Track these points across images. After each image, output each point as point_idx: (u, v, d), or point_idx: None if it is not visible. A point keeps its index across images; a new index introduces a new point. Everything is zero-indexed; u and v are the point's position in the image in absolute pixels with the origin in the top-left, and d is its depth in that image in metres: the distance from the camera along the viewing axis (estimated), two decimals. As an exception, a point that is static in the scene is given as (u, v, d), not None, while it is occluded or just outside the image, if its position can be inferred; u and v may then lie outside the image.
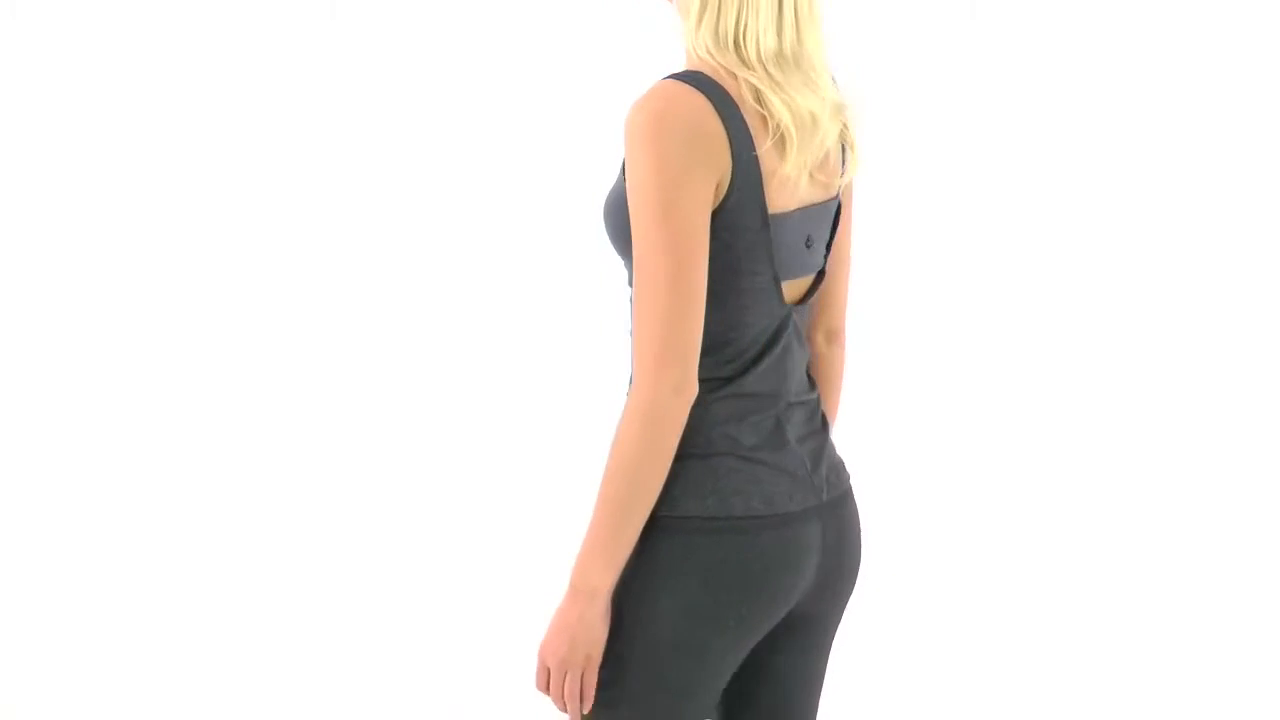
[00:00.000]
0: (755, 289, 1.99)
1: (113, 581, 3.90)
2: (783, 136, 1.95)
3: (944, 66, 3.77)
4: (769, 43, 1.95)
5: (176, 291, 3.88)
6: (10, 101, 3.82)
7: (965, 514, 3.88)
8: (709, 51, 1.97)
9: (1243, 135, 3.76)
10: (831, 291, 2.14)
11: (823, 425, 2.09)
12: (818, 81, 1.97)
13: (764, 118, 1.96)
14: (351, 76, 3.91)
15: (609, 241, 2.03)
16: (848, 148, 2.04)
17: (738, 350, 2.01)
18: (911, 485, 3.85)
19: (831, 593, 2.09)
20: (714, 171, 1.94)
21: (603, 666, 1.98)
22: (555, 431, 3.98)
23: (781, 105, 1.95)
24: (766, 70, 1.95)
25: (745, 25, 1.95)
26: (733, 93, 1.95)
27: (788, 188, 1.98)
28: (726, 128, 1.93)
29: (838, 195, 2.06)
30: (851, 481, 2.12)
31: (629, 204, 1.93)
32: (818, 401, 2.10)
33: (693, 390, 1.92)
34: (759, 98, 1.96)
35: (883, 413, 3.84)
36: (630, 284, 1.98)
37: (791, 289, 2.04)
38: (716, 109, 1.93)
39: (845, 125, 2.03)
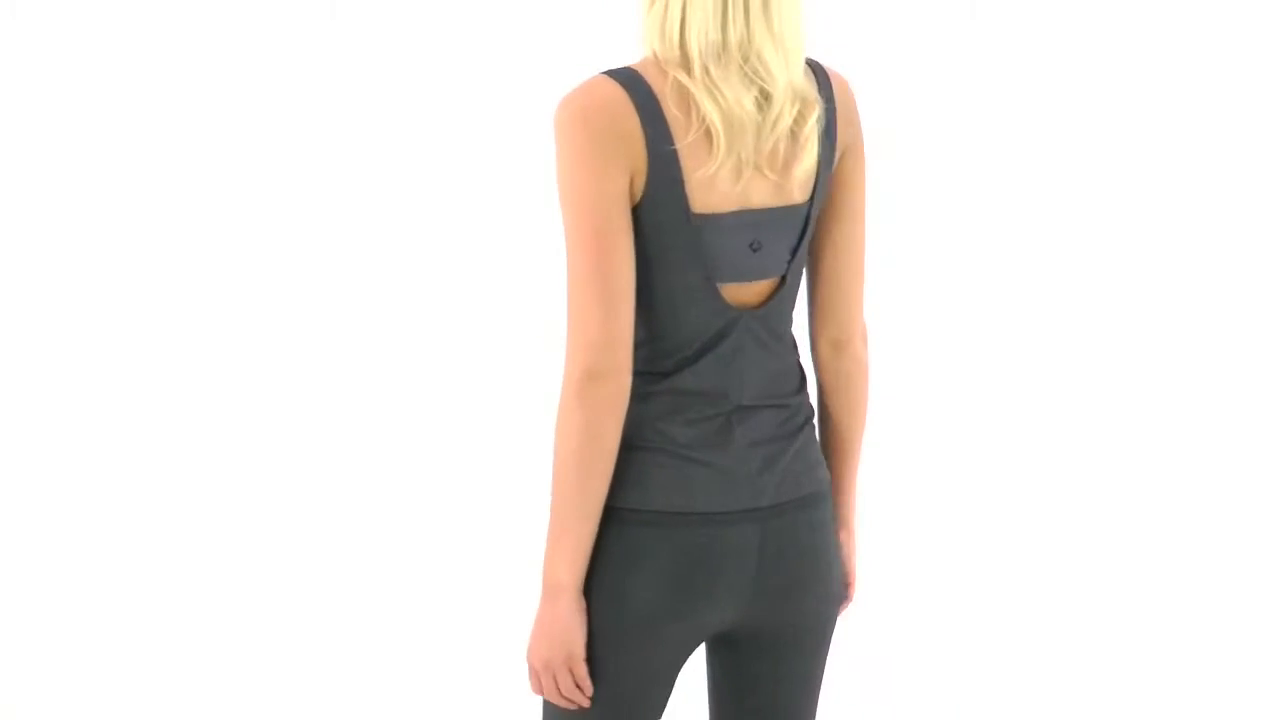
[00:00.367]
0: (686, 287, 1.99)
1: (112, 581, 3.90)
2: (709, 134, 1.95)
3: (944, 66, 3.76)
4: (712, 36, 1.93)
5: (176, 290, 3.87)
6: (10, 101, 3.82)
7: (967, 513, 3.88)
8: (654, 44, 1.98)
9: (1243, 135, 3.76)
10: (833, 301, 2.11)
11: (799, 431, 2.06)
12: (768, 77, 1.94)
13: (691, 114, 1.94)
14: (351, 76, 3.91)
15: None
16: (804, 147, 1.98)
17: (673, 346, 2.01)
18: (916, 485, 3.85)
19: (790, 602, 2.06)
20: (627, 166, 1.94)
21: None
22: (552, 431, 3.98)
23: (709, 103, 1.93)
24: (705, 65, 1.93)
25: (688, 18, 1.95)
26: (658, 88, 1.94)
27: (718, 188, 1.96)
28: (643, 123, 1.93)
29: (806, 203, 2.01)
30: (819, 489, 2.08)
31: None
32: (800, 408, 2.08)
33: (616, 379, 1.95)
34: (686, 94, 1.96)
35: (883, 414, 3.84)
36: None
37: (741, 292, 2.02)
38: (636, 104, 1.93)
39: (805, 124, 1.97)
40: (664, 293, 1.99)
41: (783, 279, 2.03)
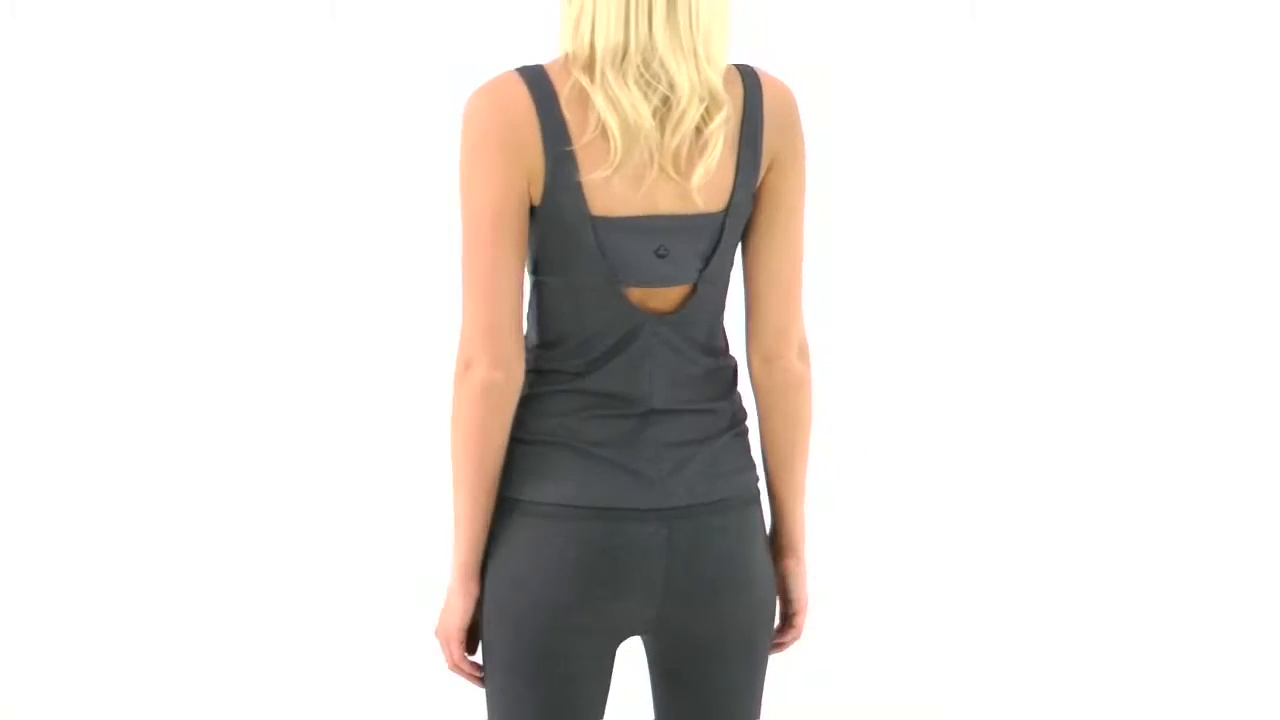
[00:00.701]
0: (589, 289, 2.01)
1: (111, 582, 3.90)
2: (606, 137, 1.95)
3: (944, 66, 3.77)
4: (614, 37, 1.93)
5: (176, 291, 3.87)
6: (10, 101, 3.82)
7: (958, 517, 3.88)
8: (565, 43, 1.98)
9: (1243, 136, 3.76)
10: (761, 314, 2.08)
11: (721, 435, 2.06)
12: (668, 80, 1.93)
13: (589, 116, 1.95)
14: (351, 76, 3.91)
15: None
16: (706, 149, 1.96)
17: (579, 347, 2.04)
18: (908, 488, 3.85)
19: (708, 607, 2.06)
20: (523, 165, 1.96)
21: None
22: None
23: (605, 105, 1.93)
24: (605, 66, 1.93)
25: (594, 18, 1.94)
26: (560, 88, 1.95)
27: (618, 191, 1.96)
28: (542, 123, 1.94)
29: (720, 213, 2.00)
30: (741, 495, 2.07)
31: None
32: (726, 412, 2.08)
33: (492, 372, 1.99)
34: (586, 96, 1.95)
35: (882, 415, 3.84)
36: None
37: (650, 297, 2.02)
38: (536, 103, 1.94)
39: (708, 126, 1.95)
40: (569, 293, 2.01)
41: (695, 287, 2.02)
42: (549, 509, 2.04)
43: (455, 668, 2.16)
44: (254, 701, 3.81)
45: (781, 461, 2.13)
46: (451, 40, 3.88)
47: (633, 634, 2.12)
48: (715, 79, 1.94)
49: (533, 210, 2.00)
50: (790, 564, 2.19)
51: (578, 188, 1.96)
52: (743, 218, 2.02)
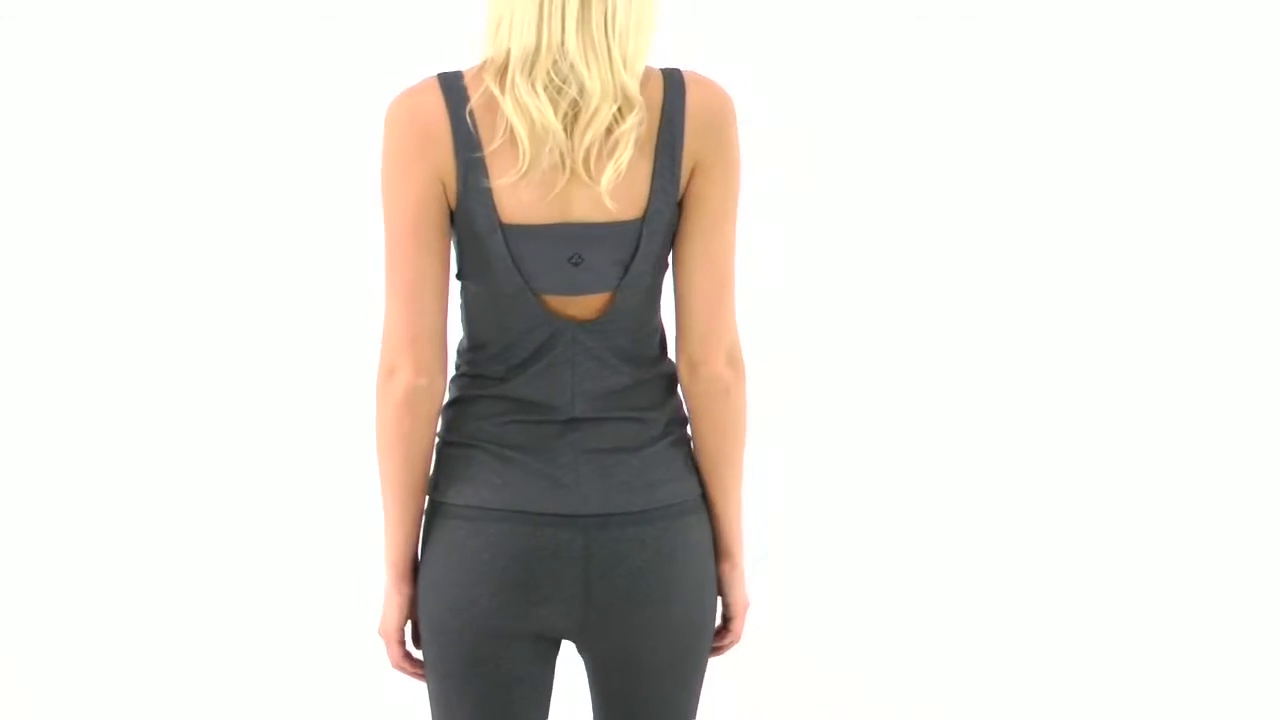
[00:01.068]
0: (506, 296, 2.01)
1: (110, 582, 3.90)
2: (515, 142, 1.94)
3: (943, 66, 3.77)
4: (527, 40, 1.92)
5: (175, 292, 3.88)
6: (10, 101, 3.82)
7: (956, 518, 3.88)
8: (485, 48, 1.97)
9: (1243, 137, 3.76)
10: (685, 321, 2.06)
11: (650, 444, 2.05)
12: (577, 82, 1.91)
13: (497, 121, 1.94)
14: (351, 76, 3.91)
15: None
16: (615, 150, 1.94)
17: (501, 353, 2.04)
18: (902, 488, 3.85)
19: (626, 619, 2.05)
20: (435, 170, 1.95)
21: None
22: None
23: (513, 110, 1.92)
24: (516, 70, 1.92)
25: (511, 22, 1.93)
26: (473, 93, 1.95)
27: (528, 198, 1.95)
28: (453, 128, 1.94)
29: (638, 220, 1.98)
30: (670, 507, 2.05)
31: None
32: (657, 422, 2.06)
33: (413, 378, 2.00)
34: (495, 101, 1.94)
35: (883, 416, 3.84)
36: None
37: (569, 305, 2.02)
38: (449, 109, 1.94)
39: (618, 128, 1.93)
40: (487, 299, 2.02)
41: (615, 295, 2.01)
42: (467, 511, 2.04)
43: (398, 667, 2.19)
44: (253, 702, 3.82)
45: (712, 467, 2.11)
46: (450, 40, 3.88)
47: (564, 640, 2.12)
48: (630, 81, 1.92)
49: (452, 216, 2.00)
50: (725, 569, 2.17)
51: (488, 194, 1.95)
52: (664, 224, 1.99)
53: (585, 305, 2.02)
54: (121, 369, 3.88)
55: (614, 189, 1.95)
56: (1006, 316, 3.83)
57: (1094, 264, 3.82)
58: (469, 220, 1.99)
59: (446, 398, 2.11)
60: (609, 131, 1.93)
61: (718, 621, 2.24)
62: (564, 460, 2.02)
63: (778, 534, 3.58)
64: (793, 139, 3.72)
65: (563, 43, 1.91)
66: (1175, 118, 3.78)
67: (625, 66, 1.93)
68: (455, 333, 2.12)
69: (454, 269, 2.08)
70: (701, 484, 2.12)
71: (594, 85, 1.91)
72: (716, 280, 2.02)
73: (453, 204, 1.99)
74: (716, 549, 2.17)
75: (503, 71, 1.94)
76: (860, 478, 3.83)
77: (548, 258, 1.98)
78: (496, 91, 1.93)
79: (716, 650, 2.25)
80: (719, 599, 2.21)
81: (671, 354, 2.12)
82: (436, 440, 2.12)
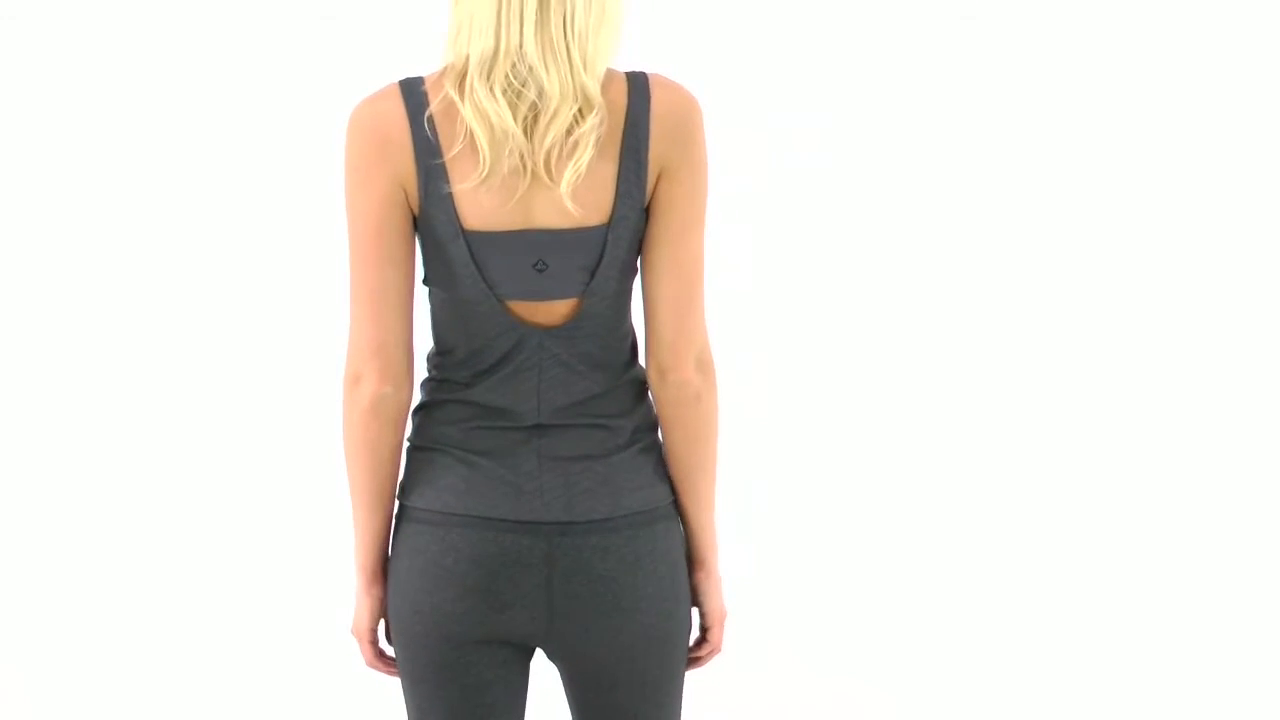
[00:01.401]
0: (471, 302, 1.99)
1: (109, 582, 3.91)
2: (475, 148, 1.92)
3: (942, 66, 3.75)
4: (486, 44, 1.90)
5: (175, 292, 3.88)
6: (10, 101, 3.84)
7: (952, 519, 3.86)
8: (446, 53, 1.96)
9: (1244, 138, 3.74)
10: (653, 328, 2.04)
11: (618, 451, 2.03)
12: (536, 85, 1.90)
13: (457, 127, 1.93)
14: (351, 76, 3.91)
15: None
16: (574, 152, 1.92)
17: (468, 359, 2.03)
18: (879, 490, 3.84)
19: (590, 628, 2.03)
20: (395, 177, 1.95)
21: None
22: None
23: (473, 115, 1.90)
24: (473, 77, 1.90)
25: (471, 27, 1.92)
26: (433, 99, 1.94)
27: (490, 204, 1.94)
28: (413, 135, 1.93)
29: (602, 226, 1.96)
30: (640, 515, 2.03)
31: None
32: (626, 429, 2.04)
33: (377, 385, 2.00)
34: (454, 107, 1.92)
35: (858, 417, 3.83)
36: None
37: (535, 311, 2.00)
38: (409, 115, 1.93)
39: (579, 132, 1.91)
40: (452, 306, 2.01)
41: (581, 301, 1.99)
42: (431, 516, 2.04)
43: (371, 665, 2.19)
44: (252, 701, 3.83)
45: (684, 475, 2.08)
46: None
47: (535, 646, 2.11)
48: (590, 82, 1.91)
49: (415, 223, 2.00)
50: (699, 577, 2.15)
51: (449, 200, 1.94)
52: (630, 230, 1.97)
53: (551, 311, 2.01)
54: (114, 368, 3.89)
55: (577, 193, 1.93)
56: (984, 316, 3.81)
57: (1077, 263, 3.80)
58: (431, 227, 1.98)
59: (416, 402, 2.11)
60: (569, 133, 1.92)
61: (696, 632, 2.22)
62: (528, 467, 2.01)
63: (752, 540, 3.57)
64: (764, 140, 3.71)
65: (521, 45, 1.90)
66: (1169, 118, 3.76)
67: (586, 68, 1.91)
68: (426, 338, 2.12)
69: (421, 275, 2.07)
70: (674, 491, 2.10)
71: (553, 87, 1.90)
72: (684, 286, 2.00)
73: (415, 210, 1.99)
74: (690, 557, 2.15)
75: (462, 76, 1.93)
76: (836, 480, 3.82)
77: (511, 264, 1.97)
78: (455, 97, 1.92)
79: (696, 661, 2.23)
80: (694, 609, 2.19)
81: (642, 360, 2.10)
82: (406, 444, 2.12)
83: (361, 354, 2.02)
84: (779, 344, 3.80)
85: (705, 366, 2.04)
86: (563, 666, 2.14)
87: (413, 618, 2.06)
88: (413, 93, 1.96)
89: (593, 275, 1.99)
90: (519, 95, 1.91)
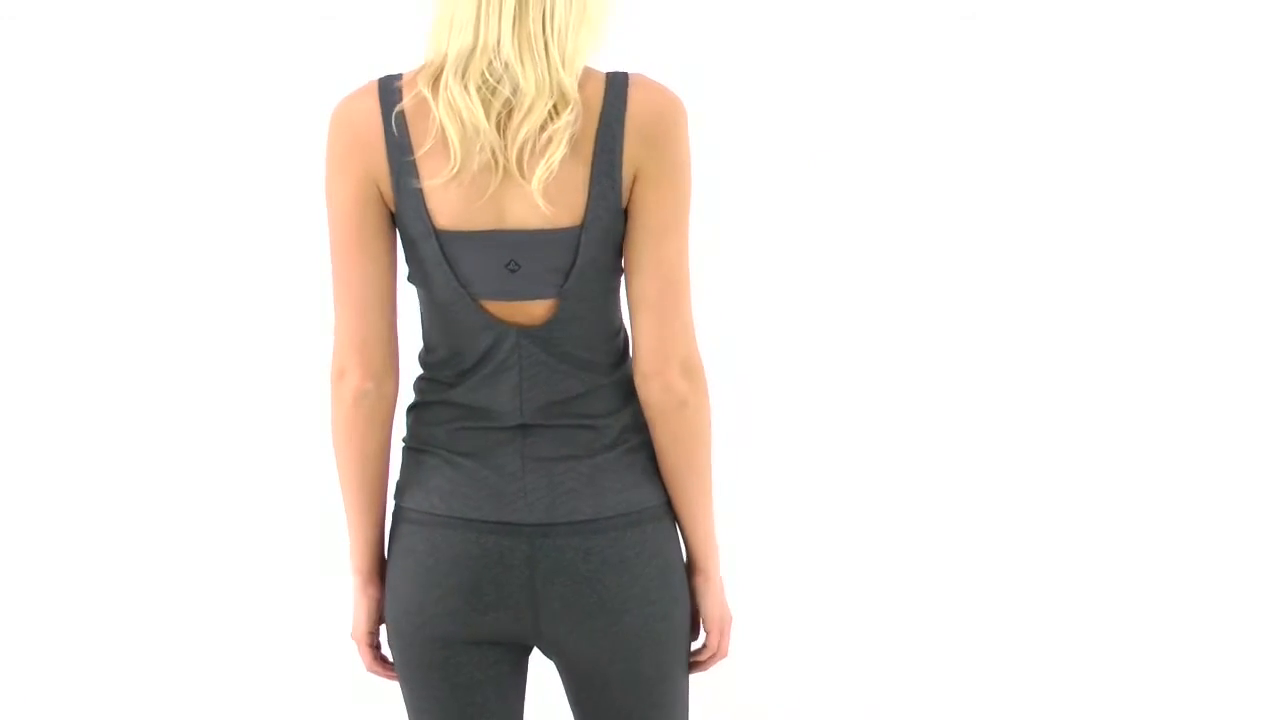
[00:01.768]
0: (448, 301, 2.00)
1: (108, 583, 3.91)
2: (445, 144, 1.91)
3: (942, 66, 3.75)
4: (465, 40, 1.90)
5: (175, 293, 3.88)
6: (10, 101, 3.83)
7: (950, 521, 3.87)
8: (427, 50, 1.98)
9: (1244, 139, 3.74)
10: (636, 331, 2.02)
11: (603, 452, 2.01)
12: (511, 82, 1.89)
13: (429, 124, 1.92)
14: (350, 76, 3.91)
15: None
16: (546, 149, 1.91)
17: (451, 358, 2.04)
18: (896, 490, 3.84)
19: (577, 629, 2.03)
20: (369, 173, 1.96)
21: None
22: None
23: (445, 111, 1.90)
24: (448, 73, 1.90)
25: (451, 24, 1.93)
26: (407, 96, 1.94)
27: (459, 202, 1.93)
28: (386, 132, 1.93)
29: (576, 227, 1.95)
30: (619, 517, 2.02)
31: None
32: (611, 429, 2.03)
33: (360, 382, 2.01)
34: (427, 104, 1.93)
35: (879, 416, 3.83)
36: None
37: (513, 311, 1.99)
38: (384, 112, 1.94)
39: (552, 128, 1.90)
40: (434, 305, 2.02)
41: (559, 302, 1.97)
42: (419, 516, 2.05)
43: (370, 670, 2.21)
44: (251, 702, 3.82)
45: (675, 481, 2.06)
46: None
47: (529, 646, 2.11)
48: (567, 79, 1.90)
49: (393, 220, 2.00)
50: (697, 581, 2.13)
51: (419, 197, 1.95)
52: (606, 232, 1.95)
53: (528, 312, 2.00)
54: (112, 369, 3.89)
55: (549, 193, 1.92)
56: (984, 316, 3.81)
57: (1076, 264, 3.80)
58: (404, 224, 1.99)
59: (411, 400, 2.11)
60: (543, 129, 1.91)
61: (700, 636, 2.20)
62: (511, 468, 2.01)
63: (742, 541, 3.56)
64: (764, 140, 3.72)
65: (498, 43, 1.89)
66: (1169, 118, 3.76)
67: (563, 64, 1.90)
68: (417, 336, 2.12)
69: (407, 273, 2.08)
70: (666, 493, 2.08)
71: (528, 83, 1.89)
72: (665, 289, 1.97)
73: (391, 208, 1.99)
74: (688, 562, 2.14)
75: (438, 73, 1.93)
76: (835, 480, 3.82)
77: (483, 263, 1.96)
78: (428, 94, 1.93)
79: (698, 665, 2.20)
80: (693, 611, 2.17)
81: None
82: (401, 444, 2.13)
83: (345, 349, 2.03)
84: (779, 344, 3.80)
85: (692, 372, 2.01)
86: (558, 665, 2.14)
87: (403, 618, 2.07)
88: (388, 89, 1.97)
89: (567, 277, 1.97)
90: (493, 92, 1.91)
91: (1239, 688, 3.74)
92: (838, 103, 3.75)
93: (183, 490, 3.89)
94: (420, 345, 2.12)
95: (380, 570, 2.16)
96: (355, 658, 3.57)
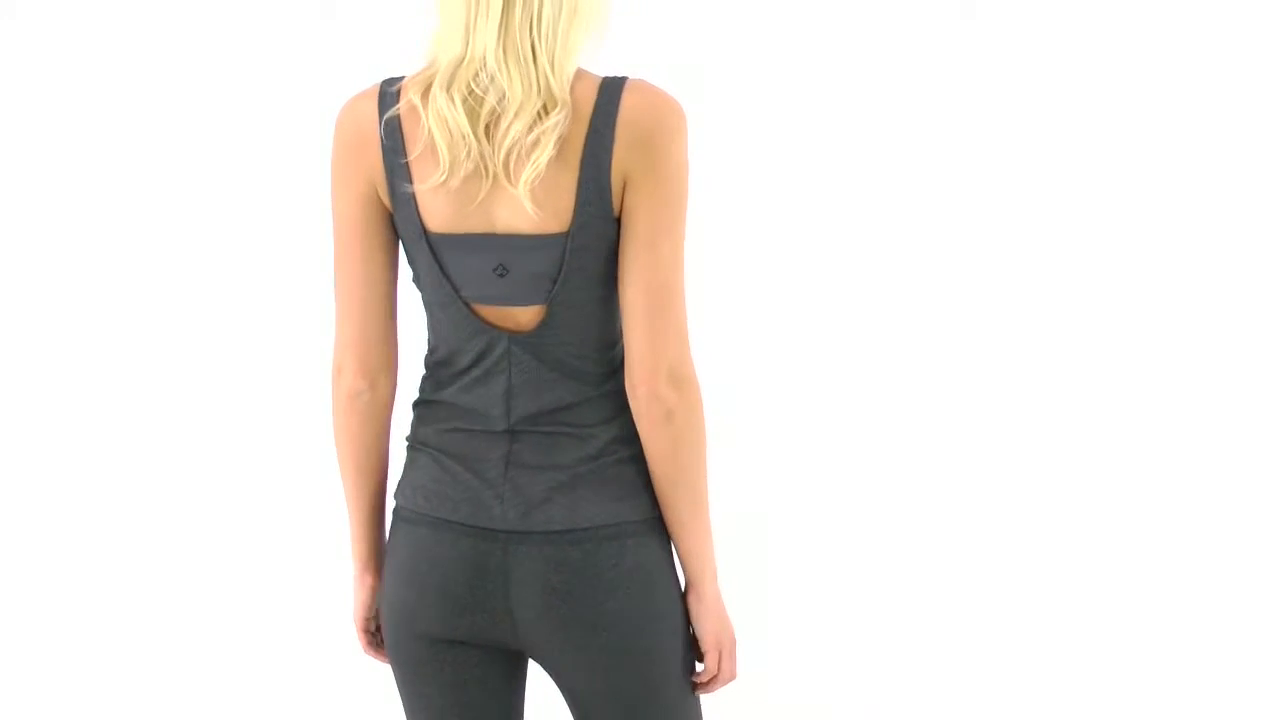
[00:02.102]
0: (441, 303, 2.01)
1: (108, 583, 3.91)
2: (434, 149, 1.92)
3: (941, 66, 3.75)
4: (454, 52, 1.90)
5: (175, 293, 3.88)
6: (10, 101, 3.83)
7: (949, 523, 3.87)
8: (427, 55, 1.98)
9: (1244, 140, 3.74)
10: (626, 341, 1.97)
11: (588, 462, 1.98)
12: (496, 89, 1.88)
13: (420, 128, 1.93)
14: (349, 77, 3.91)
15: None
16: (532, 151, 1.88)
17: (448, 358, 2.04)
18: (897, 490, 3.84)
19: (553, 639, 2.00)
20: (367, 175, 1.97)
21: None
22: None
23: (433, 118, 1.90)
24: (439, 80, 1.91)
25: (447, 33, 1.93)
26: (402, 99, 1.94)
27: (449, 206, 1.93)
28: (383, 134, 1.94)
29: (563, 234, 1.92)
30: (598, 528, 1.97)
31: None
32: (597, 439, 1.99)
33: (354, 381, 2.03)
34: (418, 109, 1.93)
35: (876, 417, 3.83)
36: None
37: (504, 317, 1.99)
38: (381, 115, 1.95)
39: (539, 129, 1.88)
40: (431, 306, 2.03)
41: (548, 309, 1.96)
42: (409, 514, 2.07)
43: (367, 652, 2.23)
44: (250, 702, 3.83)
45: (664, 495, 2.00)
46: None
47: (494, 648, 2.08)
48: (555, 81, 1.88)
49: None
50: (690, 600, 2.07)
51: (411, 199, 1.96)
52: (594, 239, 1.92)
53: (517, 317, 1.99)
54: (117, 370, 3.89)
55: (536, 197, 1.90)
56: (983, 317, 3.82)
57: (1075, 265, 3.80)
58: (400, 227, 2.00)
59: (414, 398, 2.12)
60: (530, 130, 1.89)
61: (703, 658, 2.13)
62: (494, 473, 2.00)
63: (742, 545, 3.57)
64: (763, 141, 3.72)
65: (484, 54, 1.88)
66: (1169, 119, 3.77)
67: (552, 67, 1.88)
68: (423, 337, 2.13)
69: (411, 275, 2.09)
70: (659, 507, 2.02)
71: (514, 89, 1.87)
72: (653, 298, 1.92)
73: (390, 209, 2.00)
74: (685, 582, 2.09)
75: (429, 82, 1.94)
76: (834, 481, 3.82)
77: (473, 267, 1.96)
78: (417, 102, 1.93)
79: (701, 688, 2.14)
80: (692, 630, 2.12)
81: None
82: (405, 440, 2.14)
83: (343, 347, 2.04)
84: (775, 346, 3.81)
85: (681, 383, 1.95)
86: (552, 675, 2.11)
87: (390, 613, 2.09)
88: (386, 93, 1.98)
89: (555, 283, 1.95)
90: (480, 102, 1.90)
91: (1239, 687, 3.75)
92: (837, 103, 3.75)
93: (185, 488, 3.89)
94: (426, 344, 2.13)
95: (376, 561, 2.18)
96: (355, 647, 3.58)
